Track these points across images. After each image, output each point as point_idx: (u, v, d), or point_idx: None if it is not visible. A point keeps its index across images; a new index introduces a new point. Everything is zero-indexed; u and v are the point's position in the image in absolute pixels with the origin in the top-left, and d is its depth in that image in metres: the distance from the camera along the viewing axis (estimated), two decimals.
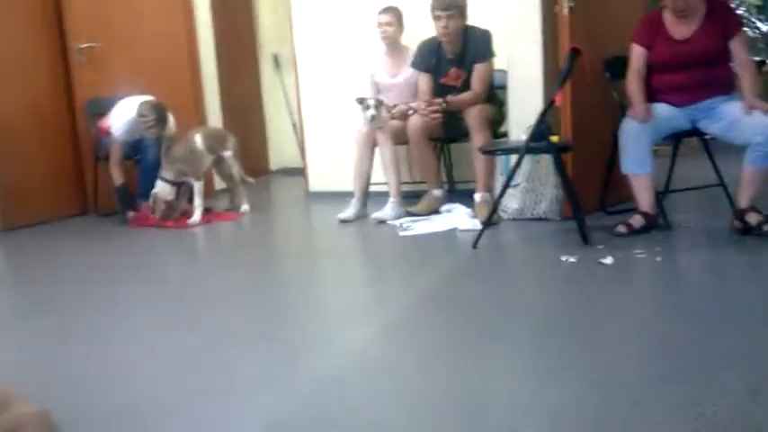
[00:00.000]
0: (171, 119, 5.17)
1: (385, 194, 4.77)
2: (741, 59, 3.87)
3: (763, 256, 3.35)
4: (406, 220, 4.55)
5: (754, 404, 1.79)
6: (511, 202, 4.51)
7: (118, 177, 5.17)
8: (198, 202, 5.02)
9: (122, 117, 5.10)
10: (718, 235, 3.77)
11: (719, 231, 3.81)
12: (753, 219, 3.70)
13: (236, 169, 5.34)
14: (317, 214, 5.49)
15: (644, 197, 3.91)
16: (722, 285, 3.01)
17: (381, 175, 4.85)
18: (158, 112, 4.97)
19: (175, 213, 5.01)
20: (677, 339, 2.29)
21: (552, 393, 1.92)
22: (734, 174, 3.87)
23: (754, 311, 2.55)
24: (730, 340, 2.25)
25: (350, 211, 4.77)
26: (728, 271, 3.26)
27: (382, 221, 4.63)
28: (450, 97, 4.60)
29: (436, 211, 4.72)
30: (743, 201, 3.79)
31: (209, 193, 5.29)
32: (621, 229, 3.83)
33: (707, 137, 4.15)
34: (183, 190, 5.09)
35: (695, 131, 4.06)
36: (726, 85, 3.91)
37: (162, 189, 4.95)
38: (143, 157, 5.16)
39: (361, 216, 4.77)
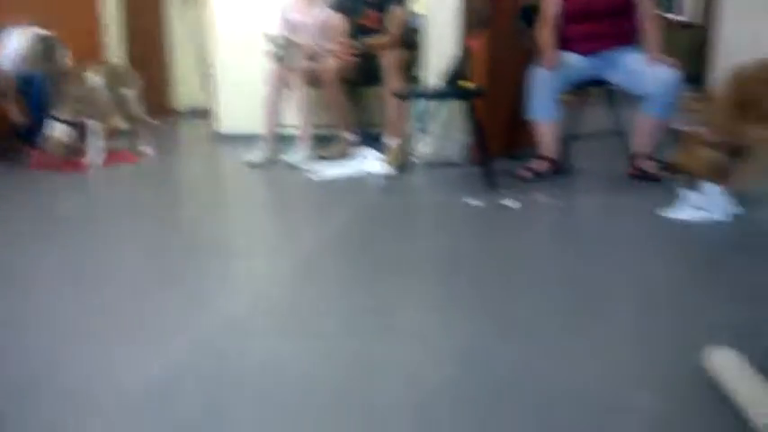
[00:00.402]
0: (63, 53, 4.83)
1: (296, 137, 4.68)
2: (647, 13, 3.99)
3: (657, 199, 3.53)
4: (316, 164, 4.50)
5: (637, 329, 1.90)
6: (421, 148, 4.55)
7: (15, 114, 4.82)
8: (96, 143, 4.76)
9: (9, 49, 4.72)
10: (617, 180, 3.95)
11: (618, 177, 3.98)
12: (647, 165, 3.90)
13: (138, 109, 5.09)
14: (226, 157, 5.34)
15: (549, 143, 4.03)
16: (618, 228, 3.16)
17: (293, 118, 4.76)
18: (46, 45, 4.62)
19: (74, 155, 4.74)
20: (575, 278, 2.40)
21: (456, 330, 1.97)
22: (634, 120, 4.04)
23: (646, 251, 2.70)
24: (623, 277, 2.38)
25: (259, 153, 4.67)
26: (624, 214, 3.42)
27: (292, 165, 4.56)
28: (365, 40, 4.53)
29: (348, 156, 4.69)
30: (639, 149, 3.98)
31: (109, 134, 5.01)
32: (526, 173, 3.94)
33: (610, 86, 4.29)
34: (80, 131, 4.80)
35: (600, 81, 4.19)
36: (630, 37, 4.03)
37: (58, 130, 4.65)
38: (32, 93, 4.81)
39: (271, 159, 4.67)
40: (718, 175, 3.22)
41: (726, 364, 1.57)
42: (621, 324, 1.98)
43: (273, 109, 4.72)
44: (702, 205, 3.16)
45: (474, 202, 3.48)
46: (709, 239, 2.88)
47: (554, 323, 2.00)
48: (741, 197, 3.17)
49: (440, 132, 4.51)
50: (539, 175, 3.96)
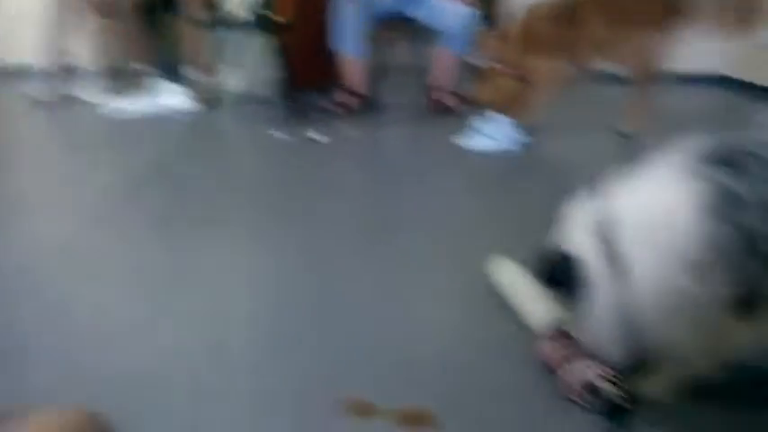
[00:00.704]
0: None
1: (88, 71, 4.29)
2: None
3: (455, 130, 3.74)
4: (111, 100, 4.17)
5: (433, 251, 2.03)
6: (228, 82, 4.39)
7: None
8: None
9: None
10: (417, 112, 4.12)
11: (421, 109, 4.16)
12: (444, 98, 4.11)
13: None
14: (5, 93, 4.76)
15: (357, 78, 4.08)
16: (420, 159, 3.32)
17: (84, 49, 4.33)
18: None
19: None
20: (378, 207, 2.49)
21: (266, 264, 1.98)
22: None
23: (444, 180, 2.87)
24: (423, 204, 2.51)
25: (44, 89, 4.21)
26: (426, 146, 3.59)
27: (84, 101, 4.18)
28: None
29: (147, 91, 4.39)
30: (436, 81, 4.17)
31: None
32: (335, 108, 3.97)
33: (415, 22, 4.41)
34: None
35: (404, 16, 4.28)
36: None
37: None
38: None
39: (59, 95, 4.24)
40: (512, 105, 3.47)
41: (504, 273, 1.74)
42: (420, 247, 2.10)
43: (59, 39, 4.26)
44: (495, 135, 3.41)
45: (282, 136, 3.45)
46: (501, 166, 3.13)
47: (358, 251, 2.07)
48: (529, 127, 3.45)
49: (247, 66, 4.37)
50: (347, 110, 4.00)
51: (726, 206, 1.12)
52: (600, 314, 1.21)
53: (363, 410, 1.26)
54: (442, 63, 4.11)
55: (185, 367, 1.42)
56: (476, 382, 1.35)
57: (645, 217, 1.18)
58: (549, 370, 1.35)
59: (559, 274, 1.25)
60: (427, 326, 1.59)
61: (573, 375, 1.29)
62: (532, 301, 1.58)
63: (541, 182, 2.86)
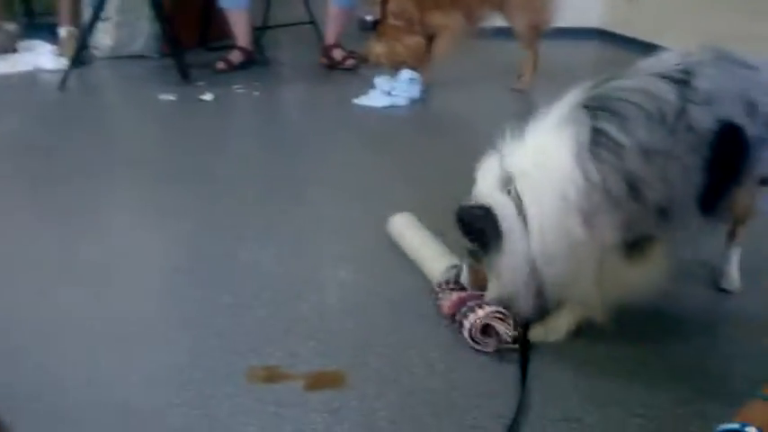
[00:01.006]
0: None
1: None
2: None
3: (348, 87, 3.69)
4: None
5: (335, 212, 2.01)
6: (103, 39, 4.08)
7: None
8: None
9: None
10: (311, 69, 4.02)
11: (312, 66, 4.06)
12: (337, 55, 4.03)
13: None
14: None
15: (242, 33, 3.91)
16: (313, 116, 3.25)
17: None
18: None
19: None
20: (275, 168, 2.41)
21: (165, 228, 1.88)
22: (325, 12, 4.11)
23: (340, 138, 2.83)
24: (321, 164, 2.46)
25: None
26: (318, 103, 3.52)
27: None
28: None
29: (11, 50, 4.02)
30: (329, 38, 4.08)
31: None
32: (221, 65, 3.80)
33: None
34: None
35: None
36: None
37: None
38: None
39: None
40: (409, 61, 3.44)
41: (404, 229, 1.74)
42: (321, 207, 2.06)
43: None
44: (393, 92, 3.37)
45: (167, 96, 3.26)
46: (399, 123, 3.11)
47: (257, 214, 2.00)
48: (426, 84, 3.45)
49: (122, 21, 4.08)
50: (234, 67, 3.84)
51: (607, 151, 1.16)
52: (510, 264, 1.24)
53: (270, 377, 1.22)
54: (332, 18, 4.02)
55: (84, 344, 1.33)
56: (384, 339, 1.35)
57: (537, 168, 1.21)
58: (449, 319, 1.38)
59: (477, 227, 1.26)
60: (333, 287, 1.57)
61: (467, 318, 1.32)
62: (431, 255, 1.59)
63: (440, 138, 2.87)
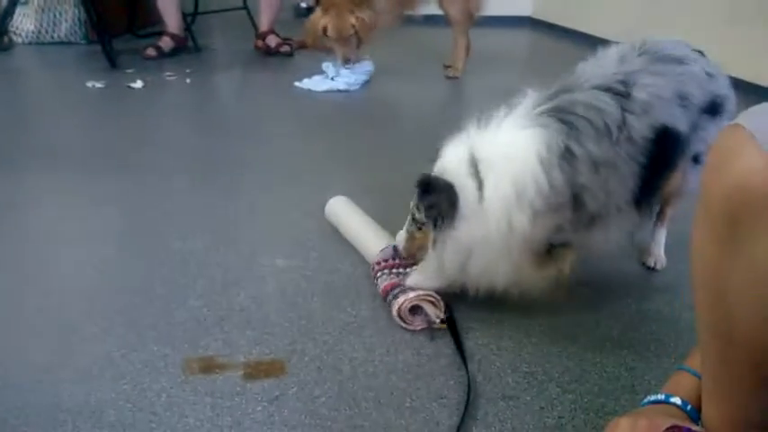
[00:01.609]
0: None
1: None
2: None
3: (280, 73, 3.65)
4: None
5: (274, 199, 1.98)
6: (24, 24, 3.90)
7: None
8: None
9: None
10: (244, 56, 3.95)
11: (245, 52, 3.99)
12: (272, 41, 3.97)
13: None
14: None
15: (172, 19, 3.81)
16: (248, 102, 3.20)
17: None
18: None
19: None
20: (210, 154, 2.36)
21: (94, 218, 1.81)
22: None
23: (279, 123, 2.79)
24: (259, 150, 2.42)
25: None
26: (252, 88, 3.46)
27: None
28: None
29: None
30: (263, 24, 4.01)
31: None
32: (150, 52, 3.69)
33: None
34: None
35: None
36: None
37: None
38: None
39: None
40: (363, 32, 3.37)
41: (340, 211, 1.74)
42: (257, 195, 2.03)
43: None
44: (335, 77, 3.35)
45: (94, 83, 3.15)
46: (334, 108, 3.10)
47: (192, 202, 1.96)
48: (363, 68, 3.43)
49: (44, 5, 3.91)
50: (164, 53, 3.74)
51: (566, 162, 1.24)
52: (457, 244, 1.27)
53: (207, 367, 1.20)
54: (268, 5, 3.95)
55: (11, 340, 1.27)
56: (322, 326, 1.34)
57: (505, 160, 1.27)
58: (384, 299, 1.39)
59: (437, 198, 1.28)
60: (270, 274, 1.55)
61: (397, 299, 1.34)
62: (368, 237, 1.59)
63: (376, 123, 2.87)
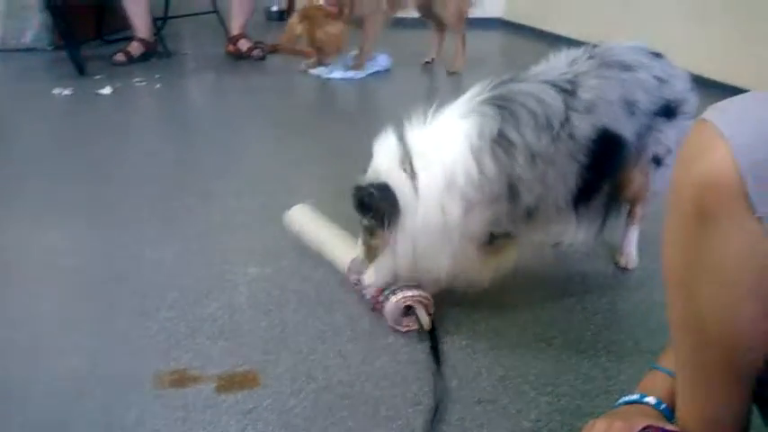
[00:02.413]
0: None
1: None
2: None
3: (252, 77, 3.62)
4: None
5: (241, 207, 1.96)
6: None
7: None
8: None
9: None
10: (215, 60, 3.92)
11: (216, 57, 3.95)
12: (243, 45, 3.94)
13: None
14: None
15: (140, 23, 3.75)
16: (219, 105, 3.16)
17: None
18: None
19: None
20: (176, 159, 2.33)
21: (62, 228, 1.77)
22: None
23: (238, 123, 2.76)
24: (227, 156, 2.39)
25: None
26: (224, 92, 3.43)
27: None
28: None
29: None
30: (234, 28, 3.98)
31: None
32: (119, 57, 3.64)
33: None
34: None
35: None
36: None
37: None
38: None
39: None
40: (331, 48, 3.51)
41: (304, 220, 1.68)
42: (228, 202, 2.00)
43: None
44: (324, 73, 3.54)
45: (62, 90, 3.09)
46: (306, 111, 3.08)
47: (163, 211, 1.92)
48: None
49: (9, 11, 3.83)
50: (133, 59, 3.68)
51: (502, 150, 1.24)
52: (405, 238, 1.27)
53: (178, 380, 1.18)
54: (239, 8, 3.92)
55: None
56: (296, 335, 1.32)
57: (436, 150, 1.26)
58: (373, 304, 1.38)
59: (375, 204, 1.27)
60: (242, 283, 1.53)
61: (389, 300, 1.33)
62: (338, 244, 1.56)
63: (351, 124, 2.86)
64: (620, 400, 0.99)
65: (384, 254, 1.34)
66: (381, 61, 3.75)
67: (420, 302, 1.34)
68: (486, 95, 1.31)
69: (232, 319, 1.38)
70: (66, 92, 3.08)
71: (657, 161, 1.45)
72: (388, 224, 1.27)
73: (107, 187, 2.06)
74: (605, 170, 1.38)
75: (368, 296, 1.40)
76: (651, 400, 0.94)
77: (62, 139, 2.59)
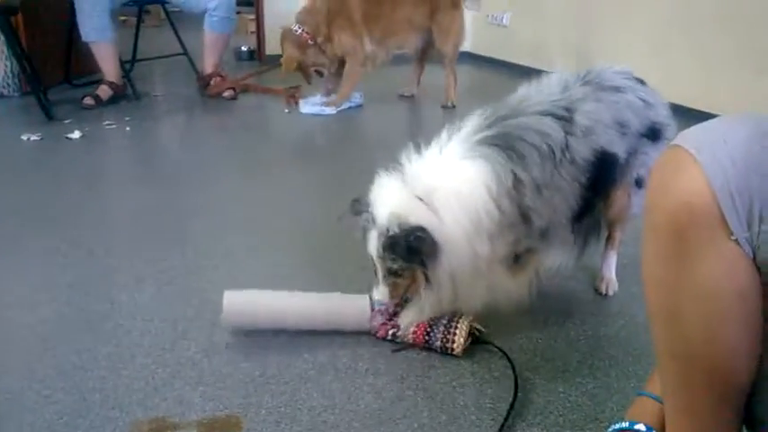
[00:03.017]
0: None
1: None
2: None
3: (223, 116, 3.61)
4: None
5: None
6: None
7: None
8: None
9: None
10: (186, 101, 3.90)
11: (187, 98, 3.94)
12: (220, 84, 3.94)
13: None
14: None
15: (109, 66, 3.73)
16: (191, 146, 3.14)
17: None
18: None
19: None
20: (149, 201, 2.29)
21: (31, 275, 1.71)
22: (197, 42, 4.01)
23: (212, 163, 2.74)
24: (202, 197, 2.37)
25: None
26: (196, 133, 3.41)
27: None
28: None
29: None
30: (207, 66, 3.98)
31: None
32: (88, 101, 3.60)
33: (168, 4, 4.18)
34: None
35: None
36: None
37: None
38: None
39: None
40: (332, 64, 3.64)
41: (240, 309, 1.44)
42: (202, 243, 1.97)
43: None
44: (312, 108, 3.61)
45: (30, 136, 3.04)
46: (281, 150, 3.07)
47: (136, 254, 1.88)
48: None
49: None
50: (102, 102, 3.65)
51: (514, 189, 1.29)
52: (446, 271, 1.31)
53: (159, 429, 1.14)
54: (208, 46, 3.93)
55: None
56: (278, 375, 1.29)
57: (456, 196, 1.29)
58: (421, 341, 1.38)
59: (414, 246, 1.28)
60: (220, 324, 1.49)
61: (457, 325, 1.37)
62: (336, 302, 1.48)
63: (325, 158, 2.86)
64: (611, 429, 0.98)
65: (424, 293, 1.36)
66: (354, 98, 3.78)
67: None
68: (486, 134, 1.34)
69: (211, 362, 1.34)
70: (35, 137, 3.04)
71: (639, 183, 1.49)
72: (427, 264, 1.30)
73: (78, 233, 2.01)
74: (599, 188, 1.44)
75: (402, 336, 1.39)
76: (641, 427, 0.93)
77: (31, 184, 2.53)
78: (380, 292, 1.38)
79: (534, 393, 1.25)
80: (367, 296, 1.43)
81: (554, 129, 1.33)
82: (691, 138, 0.71)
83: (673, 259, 0.71)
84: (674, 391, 0.82)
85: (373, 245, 1.33)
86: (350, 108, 3.70)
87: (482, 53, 5.42)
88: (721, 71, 3.25)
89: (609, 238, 1.63)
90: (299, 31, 3.49)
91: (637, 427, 0.94)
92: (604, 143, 1.37)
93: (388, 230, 1.29)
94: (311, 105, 3.66)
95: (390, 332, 1.40)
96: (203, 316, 1.52)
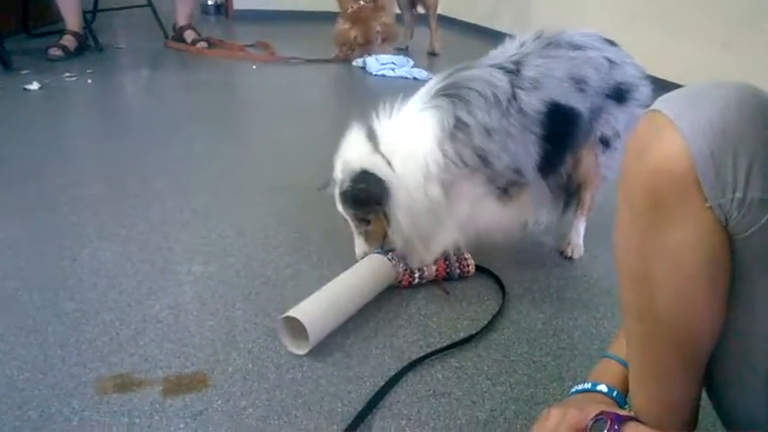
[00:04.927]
0: None
1: None
2: None
3: (190, 72, 3.52)
4: None
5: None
6: None
7: None
8: None
9: None
10: (151, 54, 3.80)
11: (152, 51, 3.83)
12: (189, 36, 3.84)
13: None
14: None
15: (72, 16, 3.59)
16: (156, 101, 3.06)
17: None
18: None
19: None
20: (112, 157, 2.23)
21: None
22: None
23: (178, 118, 2.68)
24: (156, 152, 2.31)
25: None
26: (162, 88, 3.32)
27: None
28: None
29: None
30: (180, 18, 3.87)
31: None
32: (56, 51, 3.47)
33: None
34: None
35: None
36: None
37: None
38: None
39: None
40: (389, 35, 4.04)
41: (321, 325, 1.28)
42: (168, 200, 1.93)
43: None
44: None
45: None
46: (255, 105, 3.01)
47: (100, 211, 1.84)
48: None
49: None
50: (71, 52, 3.52)
51: (460, 132, 1.38)
52: (403, 209, 1.39)
53: (122, 385, 1.13)
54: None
55: None
56: (246, 334, 1.28)
57: (405, 148, 1.39)
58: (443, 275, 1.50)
59: (369, 194, 1.39)
60: (187, 282, 1.47)
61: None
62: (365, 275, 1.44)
63: (296, 116, 2.82)
64: (574, 389, 0.99)
65: (397, 238, 1.44)
66: (421, 72, 3.71)
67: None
68: (440, 86, 1.43)
69: (177, 320, 1.33)
70: None
71: (606, 143, 1.52)
72: (383, 205, 1.39)
73: (41, 186, 1.96)
74: (565, 141, 1.50)
75: (429, 276, 1.49)
76: (603, 387, 0.95)
77: None
78: (357, 245, 1.49)
79: (499, 353, 1.27)
80: (380, 254, 1.49)
81: (500, 79, 1.41)
82: (670, 103, 0.70)
83: (647, 226, 0.72)
84: (639, 352, 0.84)
85: (338, 201, 1.45)
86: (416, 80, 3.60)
87: (452, 15, 5.43)
88: (689, 43, 3.28)
89: (579, 202, 1.64)
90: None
91: (599, 387, 0.96)
92: (557, 96, 1.42)
93: (343, 183, 1.41)
94: (381, 64, 3.76)
95: (417, 276, 1.48)
96: (168, 274, 1.50)
